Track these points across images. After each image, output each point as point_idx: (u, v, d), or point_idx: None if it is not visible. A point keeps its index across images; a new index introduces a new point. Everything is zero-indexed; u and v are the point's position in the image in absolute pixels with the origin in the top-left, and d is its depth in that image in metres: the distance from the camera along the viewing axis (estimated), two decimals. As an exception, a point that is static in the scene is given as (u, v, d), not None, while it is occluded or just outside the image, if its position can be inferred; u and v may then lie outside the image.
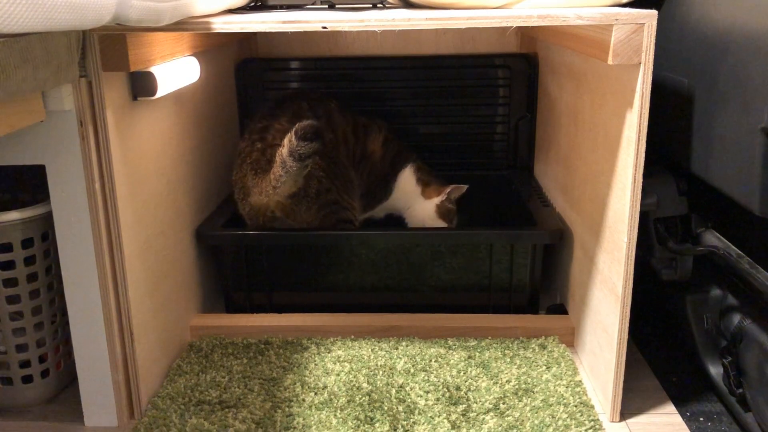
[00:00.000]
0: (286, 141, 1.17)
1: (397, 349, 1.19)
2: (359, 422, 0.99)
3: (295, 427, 0.99)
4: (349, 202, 1.34)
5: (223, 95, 1.52)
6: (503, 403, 1.03)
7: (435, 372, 1.11)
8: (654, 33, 0.87)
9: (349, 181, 1.36)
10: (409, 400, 1.04)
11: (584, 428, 0.98)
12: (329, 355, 1.17)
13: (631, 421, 1.03)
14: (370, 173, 1.45)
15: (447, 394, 1.05)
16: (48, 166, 0.94)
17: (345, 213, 1.32)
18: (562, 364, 1.13)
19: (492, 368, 1.12)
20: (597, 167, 1.08)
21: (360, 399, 1.04)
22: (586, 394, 1.06)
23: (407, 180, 1.49)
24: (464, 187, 1.48)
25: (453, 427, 0.98)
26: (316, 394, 1.06)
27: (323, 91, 1.49)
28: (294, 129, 1.15)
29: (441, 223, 1.47)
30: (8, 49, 0.67)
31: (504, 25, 0.90)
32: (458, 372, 1.11)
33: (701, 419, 1.04)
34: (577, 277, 1.20)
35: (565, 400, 1.04)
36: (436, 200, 1.47)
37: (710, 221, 1.09)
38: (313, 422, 0.99)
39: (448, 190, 1.46)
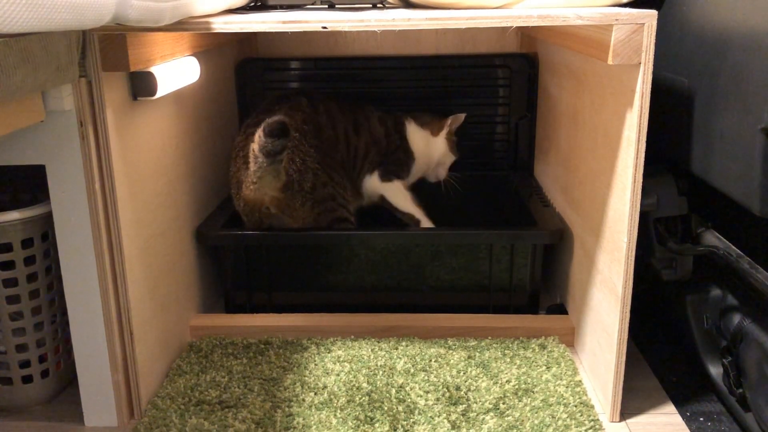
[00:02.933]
0: (256, 137, 1.18)
1: (397, 349, 1.19)
2: (359, 422, 0.99)
3: (295, 427, 0.99)
4: (345, 197, 1.34)
5: (223, 95, 1.52)
6: (503, 403, 1.03)
7: (435, 372, 1.11)
8: (654, 33, 0.87)
9: (344, 179, 1.37)
10: (409, 400, 1.04)
11: (584, 428, 0.98)
12: (329, 355, 1.17)
13: (631, 421, 1.03)
14: (386, 153, 1.47)
15: (447, 394, 1.05)
16: (48, 166, 0.94)
17: (341, 211, 1.32)
18: (562, 364, 1.13)
19: (492, 368, 1.12)
20: (597, 167, 1.08)
21: (360, 399, 1.04)
22: (586, 394, 1.06)
23: (414, 132, 1.51)
24: (462, 116, 1.53)
25: (453, 427, 0.98)
26: (316, 394, 1.06)
27: (325, 92, 1.49)
28: (262, 125, 1.15)
29: (452, 157, 1.55)
30: (8, 49, 0.67)
31: (504, 25, 0.90)
32: (458, 372, 1.11)
33: (701, 419, 1.04)
34: (577, 277, 1.20)
35: (565, 400, 1.04)
36: (444, 134, 1.52)
37: (710, 221, 1.09)
38: (313, 422, 0.99)
39: (448, 121, 1.52)
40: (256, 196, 1.25)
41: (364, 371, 1.12)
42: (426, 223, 1.43)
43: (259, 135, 1.16)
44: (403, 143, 1.50)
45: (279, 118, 1.16)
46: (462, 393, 1.06)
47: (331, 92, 1.55)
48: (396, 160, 1.48)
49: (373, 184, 1.46)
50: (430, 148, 1.52)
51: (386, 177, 1.46)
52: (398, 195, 1.45)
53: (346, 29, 0.90)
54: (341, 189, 1.33)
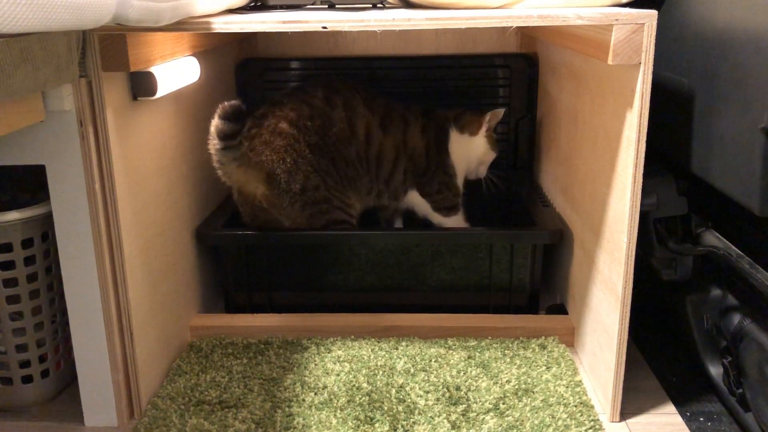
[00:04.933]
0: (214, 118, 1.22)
1: (397, 349, 1.19)
2: (359, 422, 0.99)
3: (295, 427, 0.99)
4: (344, 200, 1.33)
5: (223, 95, 1.52)
6: (503, 403, 1.03)
7: (435, 372, 1.11)
8: (654, 33, 0.87)
9: (351, 179, 1.34)
10: (409, 400, 1.04)
11: (584, 428, 0.98)
12: (329, 355, 1.17)
13: (631, 421, 1.03)
14: (426, 169, 1.42)
15: (447, 394, 1.05)
16: (48, 166, 0.94)
17: (337, 213, 1.32)
18: (562, 364, 1.13)
19: (492, 368, 1.12)
20: (597, 167, 1.08)
21: (360, 399, 1.04)
22: (586, 394, 1.06)
23: (455, 141, 1.44)
24: (501, 112, 1.45)
25: (453, 427, 0.98)
26: (316, 394, 1.06)
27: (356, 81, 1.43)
28: (218, 108, 1.19)
29: (493, 154, 1.47)
30: (8, 49, 0.67)
31: (504, 25, 0.90)
32: (458, 372, 1.11)
33: (701, 419, 1.04)
34: (577, 277, 1.20)
35: (565, 400, 1.04)
36: (483, 132, 1.45)
37: (710, 221, 1.09)
38: (313, 422, 0.99)
39: (486, 118, 1.44)
40: (253, 191, 1.27)
41: (364, 371, 1.12)
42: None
43: (214, 117, 1.20)
44: (443, 157, 1.43)
45: (235, 102, 1.20)
46: (462, 393, 1.06)
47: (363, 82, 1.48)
48: (442, 188, 1.42)
49: (430, 215, 1.44)
50: (470, 149, 1.45)
51: (445, 213, 1.43)
52: (456, 225, 1.44)
53: (346, 29, 0.90)
54: (338, 192, 1.32)
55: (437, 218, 1.43)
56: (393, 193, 1.41)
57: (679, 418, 1.04)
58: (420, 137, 1.40)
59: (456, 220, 1.44)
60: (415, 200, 1.43)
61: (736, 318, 1.00)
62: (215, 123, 1.21)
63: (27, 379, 1.07)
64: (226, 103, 1.19)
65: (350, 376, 1.10)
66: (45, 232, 1.03)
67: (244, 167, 1.26)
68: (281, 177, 1.25)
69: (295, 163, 1.26)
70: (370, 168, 1.37)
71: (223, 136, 1.22)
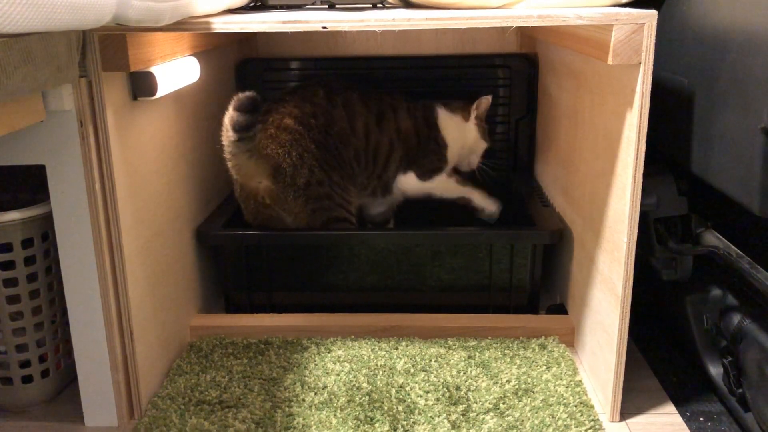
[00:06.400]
0: (228, 110, 1.21)
1: (397, 349, 1.19)
2: (359, 422, 0.99)
3: (295, 427, 0.99)
4: (345, 198, 1.34)
5: (223, 95, 1.52)
6: (503, 403, 1.03)
7: (435, 372, 1.11)
8: (654, 33, 0.87)
9: (349, 177, 1.36)
10: (409, 400, 1.04)
11: (584, 428, 0.98)
12: (329, 355, 1.17)
13: (631, 421, 1.03)
14: (417, 149, 1.43)
15: (447, 394, 1.05)
16: (48, 166, 0.94)
17: (338, 211, 1.32)
18: (562, 364, 1.13)
19: (492, 368, 1.12)
20: (597, 167, 1.08)
21: (360, 399, 1.04)
22: (586, 394, 1.06)
23: (445, 119, 1.47)
24: (488, 99, 1.49)
25: (453, 427, 0.98)
26: (316, 394, 1.06)
27: (350, 80, 1.46)
28: (233, 99, 1.19)
29: (484, 144, 1.51)
30: (8, 49, 0.67)
31: (504, 25, 0.90)
32: (458, 372, 1.11)
33: (701, 419, 1.04)
34: (577, 277, 1.20)
35: (565, 400, 1.04)
36: (473, 118, 1.48)
37: (710, 221, 1.09)
38: (313, 422, 0.99)
39: (473, 106, 1.47)
40: (256, 186, 1.26)
41: (364, 371, 1.12)
42: (479, 199, 1.45)
43: (228, 109, 1.20)
44: (433, 132, 1.45)
45: (250, 93, 1.19)
46: (462, 393, 1.06)
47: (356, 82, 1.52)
48: (429, 153, 1.44)
49: (414, 185, 1.44)
50: (463, 134, 1.48)
51: (426, 176, 1.44)
52: (444, 187, 1.45)
53: (346, 29, 0.90)
54: (339, 189, 1.33)
55: (422, 187, 1.44)
56: (384, 185, 1.43)
57: (679, 418, 1.04)
58: (407, 117, 1.43)
59: (441, 180, 1.45)
60: (401, 182, 1.44)
61: (736, 318, 1.00)
62: (230, 115, 1.20)
63: (27, 379, 1.07)
64: (240, 94, 1.18)
65: (350, 376, 1.10)
66: (45, 232, 1.03)
67: (254, 159, 1.26)
68: (287, 171, 1.26)
69: (301, 158, 1.27)
70: (368, 164, 1.39)
71: (238, 128, 1.20)
